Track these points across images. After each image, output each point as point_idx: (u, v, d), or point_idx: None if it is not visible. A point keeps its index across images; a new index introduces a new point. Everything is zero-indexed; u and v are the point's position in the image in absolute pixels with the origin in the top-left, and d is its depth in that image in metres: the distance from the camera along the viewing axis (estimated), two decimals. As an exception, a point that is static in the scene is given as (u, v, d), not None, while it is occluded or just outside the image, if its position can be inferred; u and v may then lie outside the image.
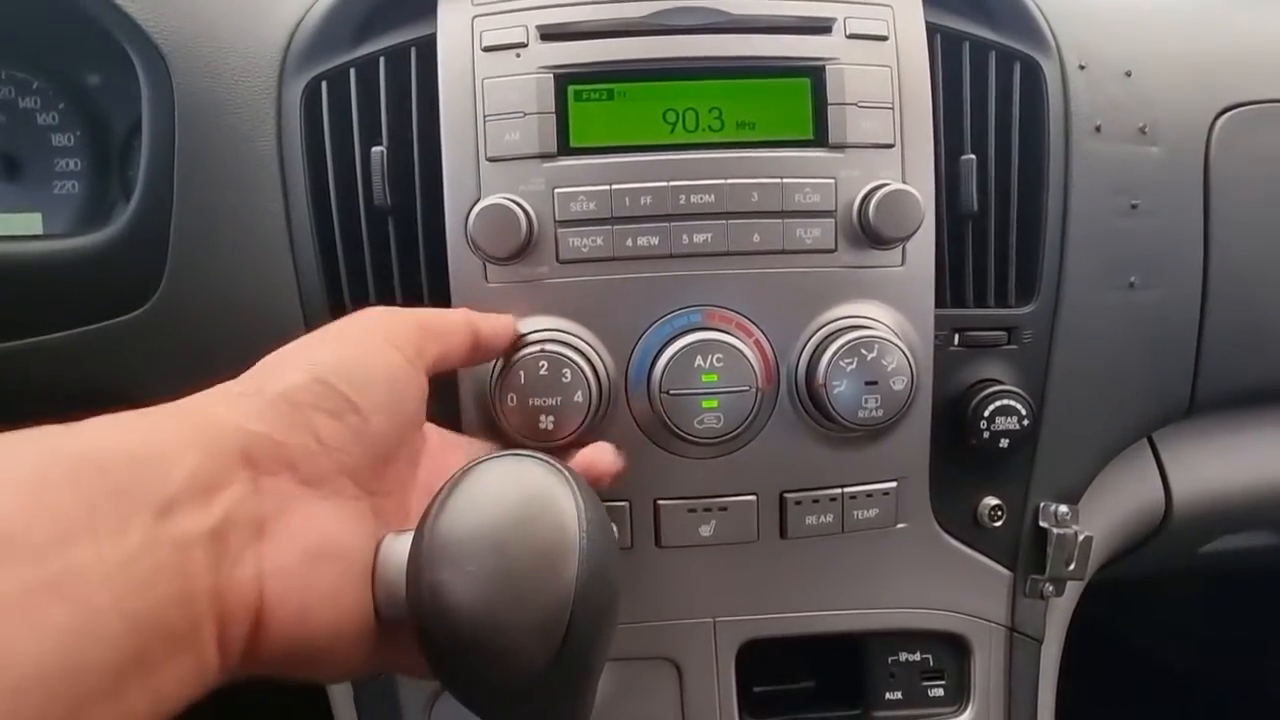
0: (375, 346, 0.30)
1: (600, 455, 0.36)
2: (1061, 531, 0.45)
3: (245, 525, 0.24)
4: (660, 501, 0.41)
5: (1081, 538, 0.45)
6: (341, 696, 0.47)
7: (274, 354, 0.29)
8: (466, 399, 0.40)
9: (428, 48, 0.41)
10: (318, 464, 0.26)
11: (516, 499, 0.26)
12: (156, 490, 0.22)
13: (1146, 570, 0.60)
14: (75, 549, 0.19)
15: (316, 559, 0.25)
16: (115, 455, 0.22)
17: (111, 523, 0.20)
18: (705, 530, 0.42)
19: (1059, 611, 0.49)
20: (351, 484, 0.27)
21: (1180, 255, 0.46)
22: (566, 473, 0.28)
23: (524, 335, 0.39)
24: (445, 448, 0.35)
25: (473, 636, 0.24)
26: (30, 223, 0.51)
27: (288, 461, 0.25)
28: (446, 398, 0.40)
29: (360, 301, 0.42)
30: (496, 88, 0.39)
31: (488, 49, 0.40)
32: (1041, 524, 0.46)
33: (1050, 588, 0.46)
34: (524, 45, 0.40)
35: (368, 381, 0.28)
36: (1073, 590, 0.49)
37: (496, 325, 0.37)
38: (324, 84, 0.42)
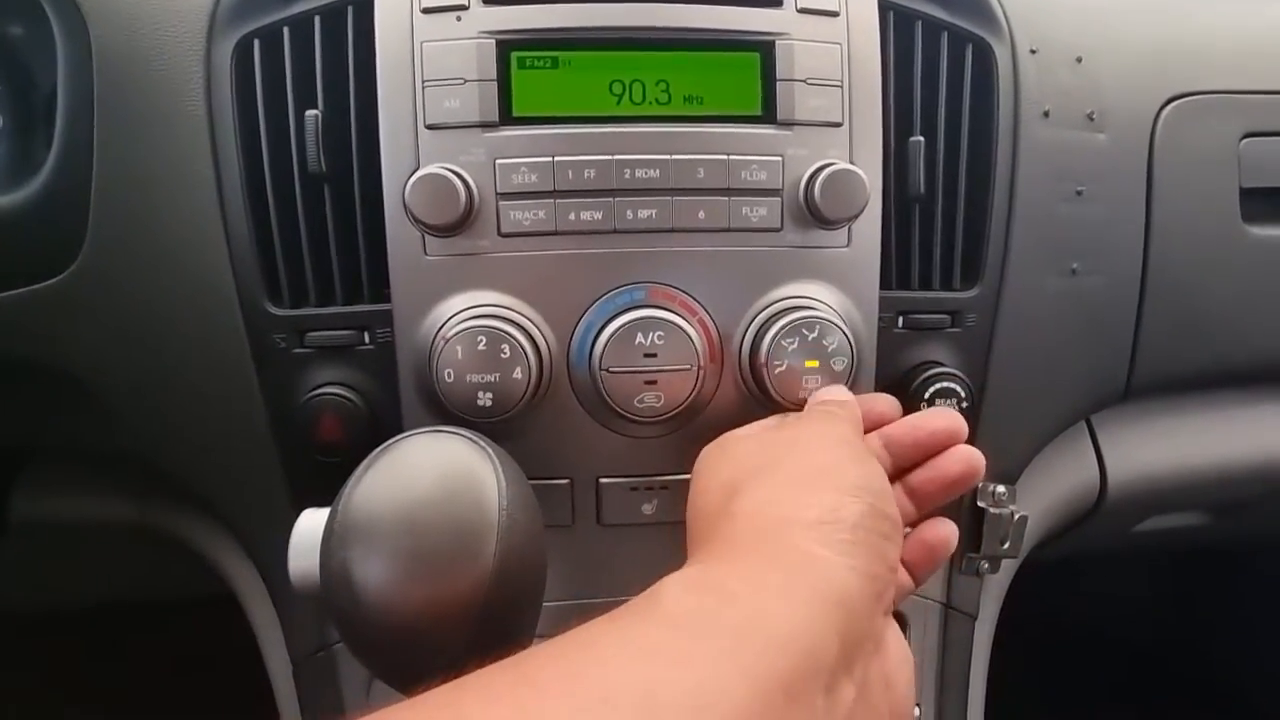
0: (868, 455, 0.31)
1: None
2: (998, 511, 0.46)
3: None
4: (602, 480, 0.41)
5: (1017, 517, 0.46)
6: (281, 675, 0.46)
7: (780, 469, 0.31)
8: (405, 375, 0.39)
9: (365, 6, 0.39)
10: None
11: (435, 476, 0.26)
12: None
13: (1083, 548, 0.62)
14: None
15: None
16: None
17: None
18: (647, 508, 0.42)
19: (994, 588, 0.50)
20: None
21: (1122, 243, 0.47)
22: (490, 450, 0.27)
23: (462, 310, 0.38)
24: None
25: (382, 615, 0.24)
26: (-54, 182, 0.48)
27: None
28: (389, 376, 0.40)
29: (295, 274, 0.41)
30: (436, 52, 0.38)
31: (427, 10, 0.38)
32: (979, 504, 0.47)
33: (986, 565, 0.47)
34: (465, 8, 0.38)
35: (889, 496, 0.29)
36: (1008, 568, 0.50)
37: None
38: (256, 42, 0.40)
